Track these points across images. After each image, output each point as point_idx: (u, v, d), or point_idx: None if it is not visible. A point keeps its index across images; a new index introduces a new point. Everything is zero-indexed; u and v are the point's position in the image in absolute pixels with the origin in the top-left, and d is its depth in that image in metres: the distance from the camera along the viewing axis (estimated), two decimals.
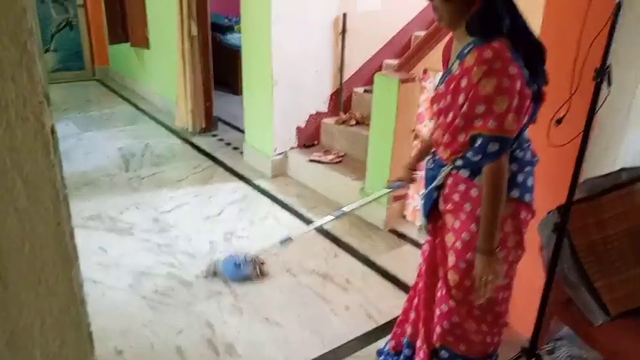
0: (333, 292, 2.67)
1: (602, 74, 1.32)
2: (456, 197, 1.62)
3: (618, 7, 1.27)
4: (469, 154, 1.50)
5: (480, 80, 1.39)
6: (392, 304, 2.57)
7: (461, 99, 1.46)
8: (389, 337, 2.16)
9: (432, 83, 2.99)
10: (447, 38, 1.66)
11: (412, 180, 2.04)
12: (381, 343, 2.29)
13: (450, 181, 1.63)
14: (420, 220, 1.80)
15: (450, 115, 1.51)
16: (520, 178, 1.56)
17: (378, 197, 2.22)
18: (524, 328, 2.15)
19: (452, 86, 1.50)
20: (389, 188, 2.11)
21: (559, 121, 1.43)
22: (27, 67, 0.57)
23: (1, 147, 0.58)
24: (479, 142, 1.45)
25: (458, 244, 1.63)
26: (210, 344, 2.28)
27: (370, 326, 2.43)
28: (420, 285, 1.89)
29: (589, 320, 1.78)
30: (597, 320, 1.77)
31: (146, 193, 3.76)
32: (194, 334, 2.34)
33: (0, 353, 0.64)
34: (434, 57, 3.02)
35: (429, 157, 1.79)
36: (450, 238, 1.66)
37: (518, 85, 1.40)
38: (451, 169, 1.61)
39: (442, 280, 1.71)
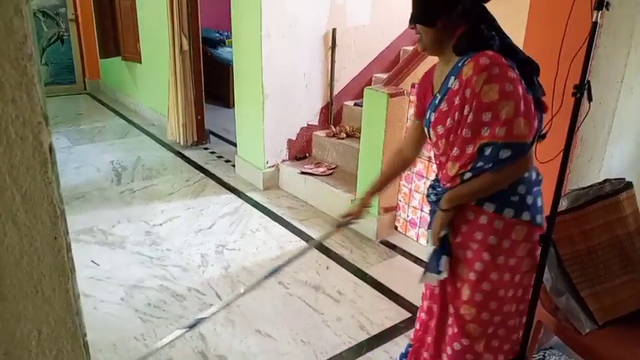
0: (325, 304, 2.69)
1: (582, 90, 1.37)
2: (464, 228, 1.58)
3: (594, 26, 1.32)
4: (479, 164, 1.44)
5: (481, 88, 1.37)
6: (384, 315, 2.59)
7: (466, 110, 1.43)
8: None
9: None
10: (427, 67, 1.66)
11: (361, 216, 1.94)
12: (373, 354, 2.31)
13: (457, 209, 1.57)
14: (442, 265, 1.61)
15: (459, 130, 1.47)
16: (529, 200, 1.52)
17: (325, 238, 2.07)
18: None
19: (456, 101, 1.46)
20: (338, 226, 1.98)
21: (542, 137, 1.47)
22: (27, 89, 0.60)
23: (1, 164, 0.61)
24: (488, 150, 1.41)
25: (471, 276, 1.58)
26: (202, 356, 2.28)
27: (362, 337, 2.44)
28: (432, 324, 1.78)
29: (577, 329, 1.81)
30: (585, 329, 1.79)
31: (138, 207, 3.76)
32: (186, 346, 2.34)
33: None
34: (422, 71, 3.07)
35: (429, 192, 1.70)
36: (462, 270, 1.61)
37: (520, 89, 1.38)
38: None
39: (453, 316, 1.64)
